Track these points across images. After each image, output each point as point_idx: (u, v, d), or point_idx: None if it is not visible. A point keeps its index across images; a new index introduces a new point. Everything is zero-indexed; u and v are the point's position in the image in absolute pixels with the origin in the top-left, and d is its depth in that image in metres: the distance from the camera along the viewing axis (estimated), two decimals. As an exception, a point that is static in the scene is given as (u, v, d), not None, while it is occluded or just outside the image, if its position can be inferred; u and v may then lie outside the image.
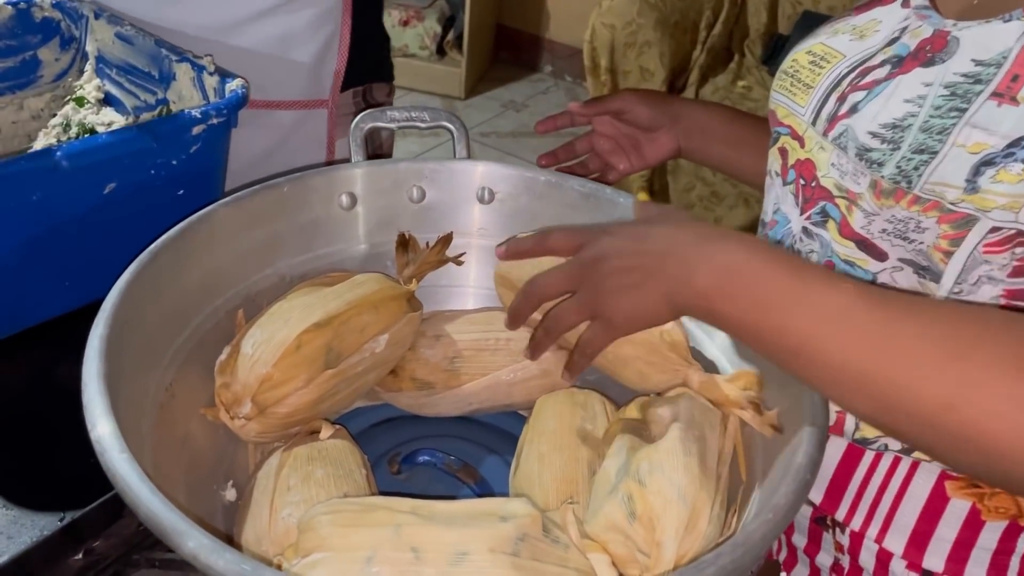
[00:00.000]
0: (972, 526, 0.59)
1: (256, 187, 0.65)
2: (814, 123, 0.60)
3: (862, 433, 0.61)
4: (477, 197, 0.71)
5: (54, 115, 0.88)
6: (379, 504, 0.46)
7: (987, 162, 0.48)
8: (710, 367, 0.62)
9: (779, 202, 0.64)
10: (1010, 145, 0.48)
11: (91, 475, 0.58)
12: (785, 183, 0.63)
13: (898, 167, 0.52)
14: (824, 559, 0.68)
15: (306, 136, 0.93)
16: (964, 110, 0.50)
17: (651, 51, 2.17)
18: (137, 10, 0.86)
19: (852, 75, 0.58)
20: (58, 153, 0.64)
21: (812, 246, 0.60)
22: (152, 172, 0.70)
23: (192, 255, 0.60)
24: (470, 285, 0.73)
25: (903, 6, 0.59)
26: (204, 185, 0.75)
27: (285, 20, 0.87)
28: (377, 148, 1.01)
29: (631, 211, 0.67)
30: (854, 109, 0.56)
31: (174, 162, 0.71)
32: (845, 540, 0.65)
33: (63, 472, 0.61)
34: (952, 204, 0.50)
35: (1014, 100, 0.48)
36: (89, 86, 0.89)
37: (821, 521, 0.67)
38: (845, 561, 0.66)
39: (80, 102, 0.88)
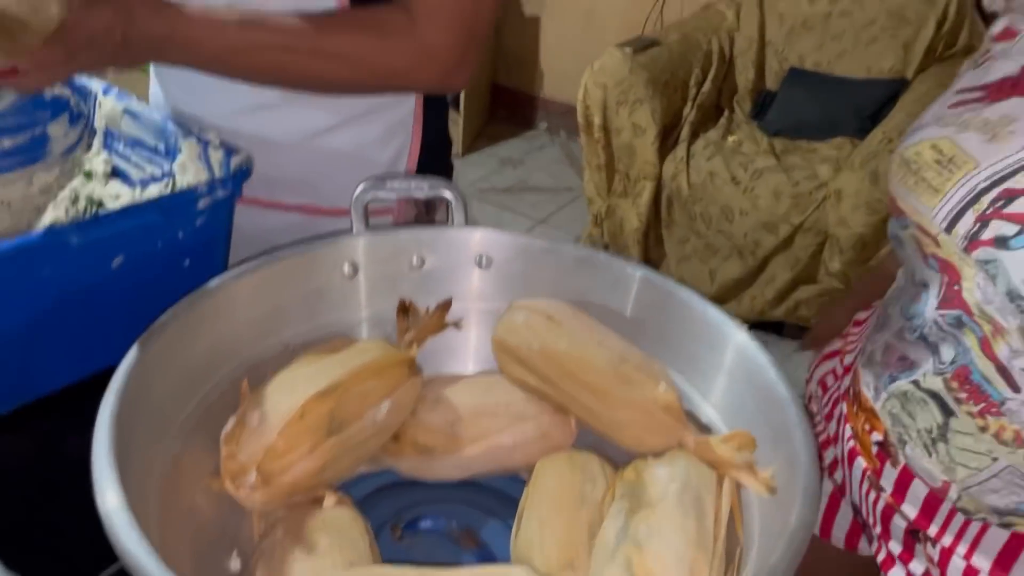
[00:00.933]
0: None
1: (261, 258, 0.67)
2: (948, 231, 0.55)
3: (963, 504, 0.62)
4: (475, 263, 0.73)
5: (63, 188, 0.91)
6: (384, 575, 0.47)
7: None
8: (704, 429, 0.63)
9: (922, 275, 0.60)
10: None
11: (98, 545, 0.59)
12: (927, 265, 0.59)
13: None
14: (916, 567, 0.69)
15: None
16: None
17: (643, 108, 2.23)
18: (215, 119, 0.87)
19: (992, 194, 0.53)
20: (68, 230, 0.66)
21: (945, 338, 0.57)
22: (159, 245, 0.72)
23: (199, 327, 0.62)
24: (469, 349, 0.75)
25: None
26: (209, 255, 0.77)
27: (358, 131, 0.88)
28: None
29: (626, 275, 0.69)
30: (1003, 243, 0.51)
31: (180, 235, 0.73)
32: (935, 554, 0.66)
33: (70, 542, 0.61)
34: None
35: None
36: (97, 160, 0.92)
37: (915, 534, 0.68)
38: (935, 573, 0.67)
39: (89, 176, 0.90)
